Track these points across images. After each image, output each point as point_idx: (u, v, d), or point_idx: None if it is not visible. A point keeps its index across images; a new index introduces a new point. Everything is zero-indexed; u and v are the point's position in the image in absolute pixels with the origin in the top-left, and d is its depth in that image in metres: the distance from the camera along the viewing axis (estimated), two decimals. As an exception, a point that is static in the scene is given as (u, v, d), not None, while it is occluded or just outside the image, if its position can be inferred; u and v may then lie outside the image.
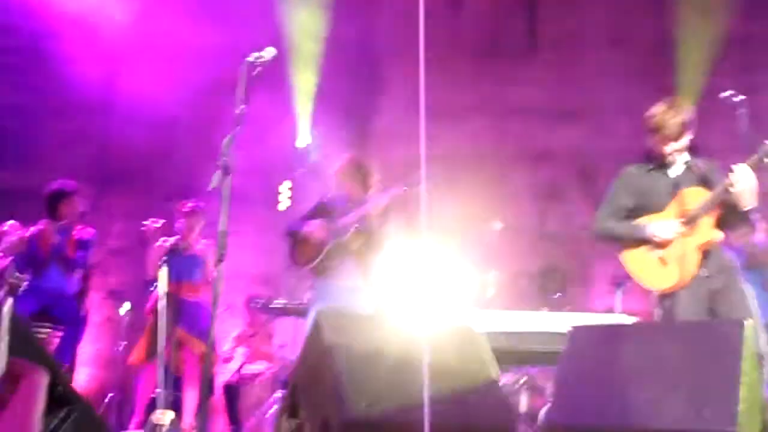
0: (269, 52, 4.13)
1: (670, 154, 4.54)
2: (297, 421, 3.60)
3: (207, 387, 4.60)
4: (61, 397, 2.63)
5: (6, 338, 0.64)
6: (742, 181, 4.25)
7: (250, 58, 4.11)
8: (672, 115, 4.48)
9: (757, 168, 4.27)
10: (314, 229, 5.69)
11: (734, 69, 7.96)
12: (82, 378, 7.95)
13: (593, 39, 8.91)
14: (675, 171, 4.59)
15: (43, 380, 0.67)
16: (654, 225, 4.50)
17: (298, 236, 5.77)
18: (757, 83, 7.50)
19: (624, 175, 4.71)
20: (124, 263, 8.48)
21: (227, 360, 7.68)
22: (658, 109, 4.54)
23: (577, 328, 3.62)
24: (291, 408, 3.68)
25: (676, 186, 4.53)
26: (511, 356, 5.20)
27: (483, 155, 8.82)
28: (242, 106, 4.05)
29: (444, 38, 8.81)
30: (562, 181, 8.77)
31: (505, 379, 5.84)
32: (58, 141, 9.09)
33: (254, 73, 4.11)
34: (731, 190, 4.28)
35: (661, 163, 4.59)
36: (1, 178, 8.99)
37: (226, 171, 3.96)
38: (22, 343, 2.53)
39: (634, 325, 4.49)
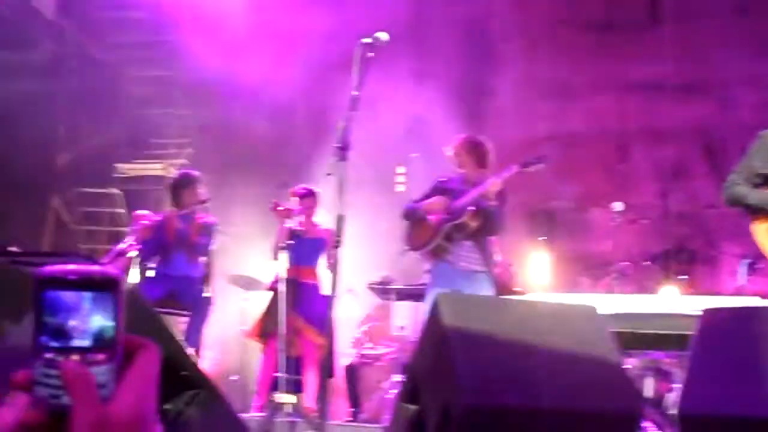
0: (383, 36, 4.11)
1: None
2: (417, 407, 3.57)
3: (327, 370, 4.64)
4: (187, 381, 2.65)
5: (123, 314, 0.64)
6: None
7: (365, 42, 4.11)
8: None
9: None
10: (434, 203, 5.64)
11: None
12: (206, 361, 8.17)
13: (717, 8, 8.53)
14: None
15: (157, 354, 0.67)
16: None
17: (414, 218, 5.74)
18: None
19: (761, 138, 4.43)
20: (244, 249, 8.65)
21: (355, 344, 7.72)
22: None
23: (709, 311, 3.44)
24: (410, 393, 3.65)
25: None
26: (636, 339, 5.04)
27: (603, 133, 8.59)
28: (357, 91, 4.05)
29: (560, 13, 8.60)
30: (686, 158, 8.45)
31: (630, 363, 5.67)
32: (181, 130, 9.38)
33: (368, 56, 4.11)
34: None
35: None
36: (131, 167, 9.36)
37: (342, 156, 3.97)
38: (147, 324, 2.57)
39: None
